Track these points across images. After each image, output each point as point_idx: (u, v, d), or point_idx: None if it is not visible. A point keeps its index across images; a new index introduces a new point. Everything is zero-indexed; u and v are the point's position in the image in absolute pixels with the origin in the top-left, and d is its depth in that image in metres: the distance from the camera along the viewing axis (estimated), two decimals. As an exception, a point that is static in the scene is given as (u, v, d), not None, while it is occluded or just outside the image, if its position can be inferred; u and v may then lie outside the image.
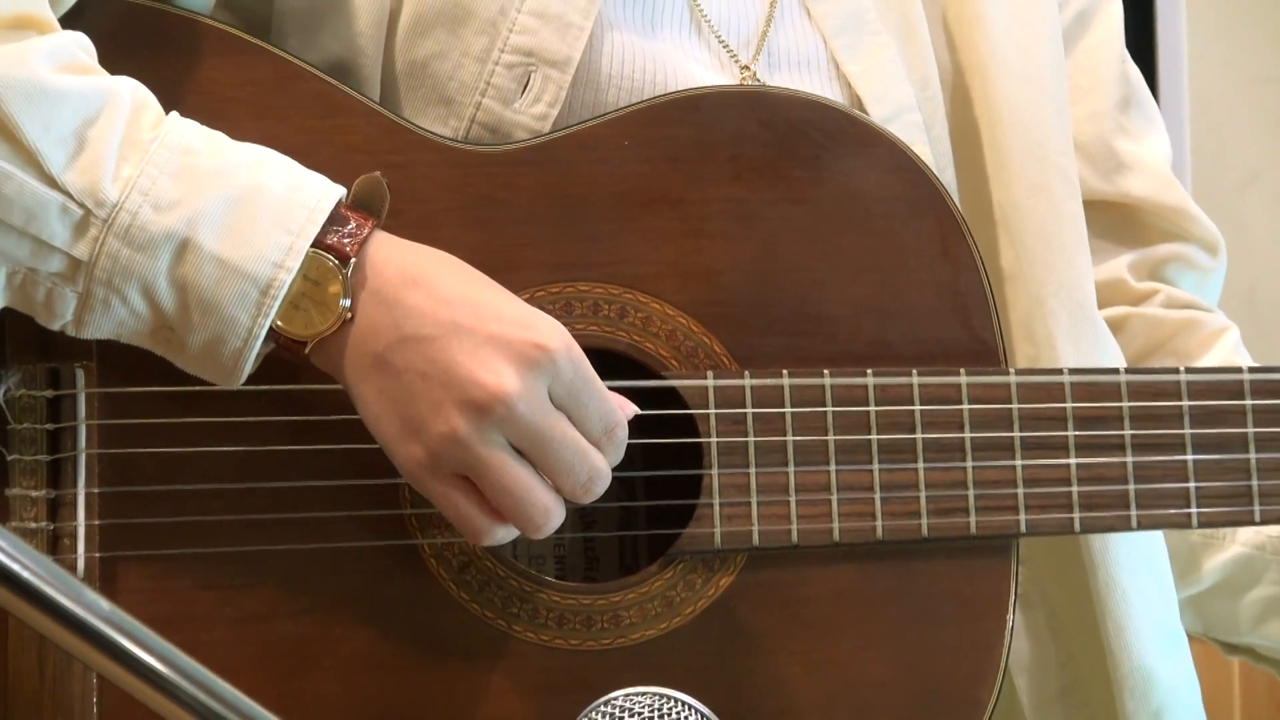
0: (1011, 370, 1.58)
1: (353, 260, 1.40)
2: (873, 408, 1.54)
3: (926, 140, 1.66)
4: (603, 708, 1.30)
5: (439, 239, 1.46)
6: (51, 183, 1.36)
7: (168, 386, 1.45)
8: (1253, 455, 1.61)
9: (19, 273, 1.39)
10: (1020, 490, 1.56)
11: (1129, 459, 1.59)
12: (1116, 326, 1.79)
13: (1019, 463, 1.56)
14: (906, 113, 1.66)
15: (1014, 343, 1.67)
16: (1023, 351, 1.66)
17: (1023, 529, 1.56)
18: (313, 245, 1.39)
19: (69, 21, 1.44)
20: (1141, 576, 1.68)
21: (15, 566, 1.11)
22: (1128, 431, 1.59)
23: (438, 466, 1.40)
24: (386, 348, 1.40)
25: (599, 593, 1.51)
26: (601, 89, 1.58)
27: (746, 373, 1.53)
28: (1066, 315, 1.67)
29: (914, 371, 1.55)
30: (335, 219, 1.41)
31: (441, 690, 1.48)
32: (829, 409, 1.54)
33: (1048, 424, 1.57)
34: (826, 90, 1.65)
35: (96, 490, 1.45)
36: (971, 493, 1.55)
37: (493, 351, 1.39)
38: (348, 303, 1.40)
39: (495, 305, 1.42)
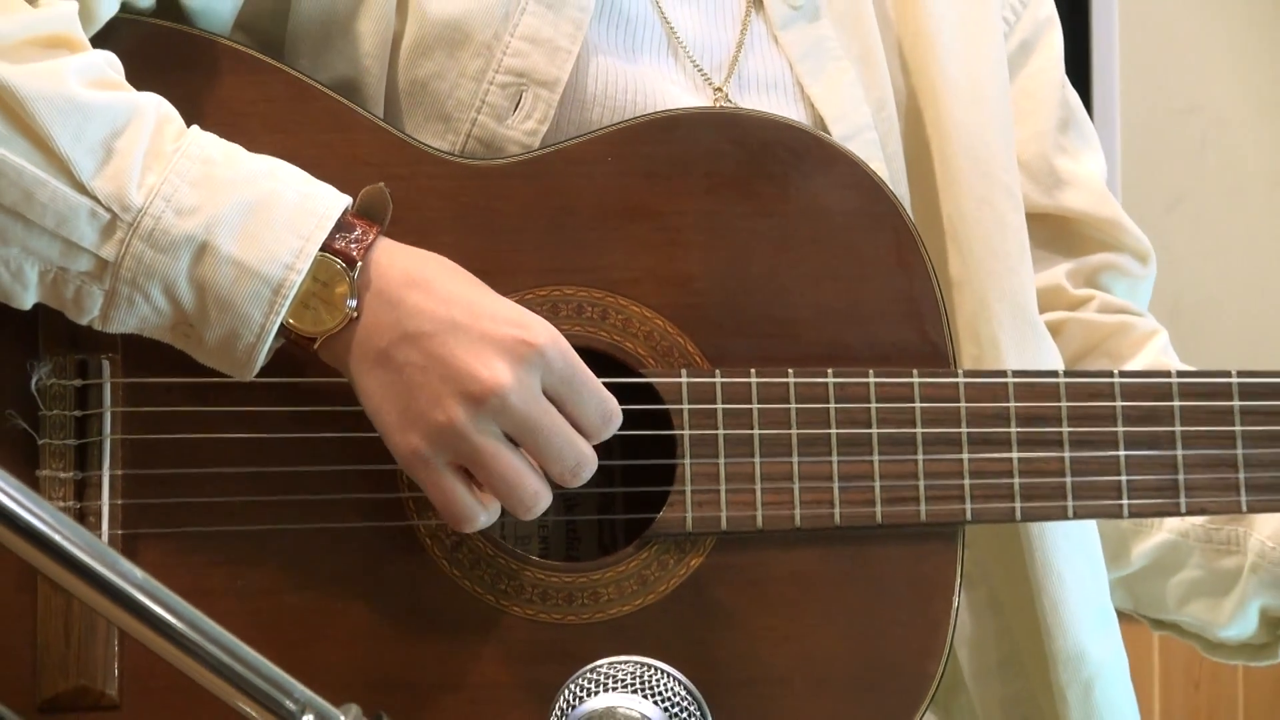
0: (960, 371, 1.59)
1: (358, 263, 1.44)
2: (833, 405, 1.56)
3: (882, 157, 1.68)
4: (589, 674, 1.30)
5: (437, 244, 1.49)
6: (81, 189, 1.40)
7: (186, 378, 1.48)
8: (1179, 452, 1.62)
9: (50, 271, 1.42)
10: (966, 481, 1.58)
11: (1066, 454, 1.59)
12: (1055, 330, 1.80)
13: (965, 456, 1.58)
14: (864, 131, 1.68)
15: (960, 344, 1.67)
16: (968, 352, 1.68)
17: (968, 517, 1.58)
18: (321, 249, 1.43)
19: (99, 41, 1.48)
20: (1075, 559, 1.70)
21: (60, 539, 1.16)
22: (1065, 429, 1.60)
23: (434, 455, 1.43)
24: (389, 344, 1.43)
25: (580, 571, 1.54)
26: (587, 108, 1.61)
27: (717, 371, 1.55)
28: (1009, 319, 1.69)
29: (871, 372, 1.57)
30: (342, 226, 1.45)
31: (435, 659, 1.51)
32: (793, 405, 1.56)
33: (992, 421, 1.59)
34: (792, 111, 1.67)
35: (120, 472, 1.49)
36: (922, 483, 1.57)
37: (488, 347, 1.42)
38: (354, 302, 1.44)
39: (490, 305, 1.45)
